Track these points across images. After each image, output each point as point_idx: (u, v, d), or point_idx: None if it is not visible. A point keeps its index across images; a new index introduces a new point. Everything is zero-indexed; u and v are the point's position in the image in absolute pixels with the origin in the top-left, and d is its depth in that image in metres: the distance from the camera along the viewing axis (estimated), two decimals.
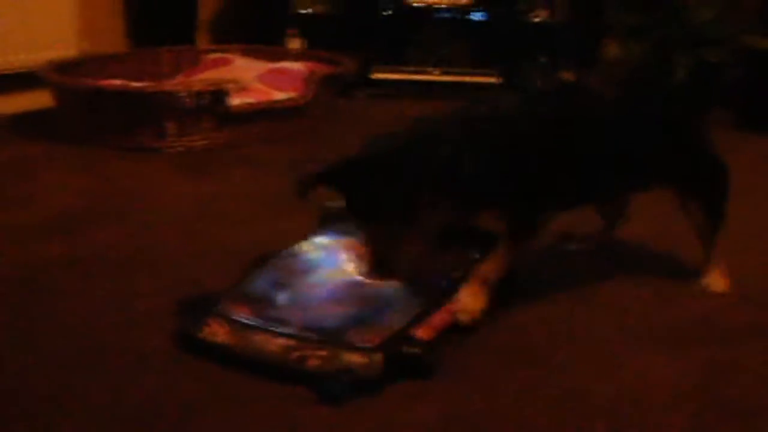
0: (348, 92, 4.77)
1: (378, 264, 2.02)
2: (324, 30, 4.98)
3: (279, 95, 4.01)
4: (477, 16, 5.09)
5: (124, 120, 3.65)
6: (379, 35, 5.06)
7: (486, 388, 1.83)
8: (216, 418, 1.70)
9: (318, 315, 1.95)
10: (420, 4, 5.01)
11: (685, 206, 2.36)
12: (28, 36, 4.21)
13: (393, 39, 5.07)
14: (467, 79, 4.97)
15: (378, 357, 1.81)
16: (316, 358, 1.82)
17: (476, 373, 1.89)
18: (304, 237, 2.30)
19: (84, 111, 3.75)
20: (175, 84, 4.02)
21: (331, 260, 2.18)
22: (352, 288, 2.06)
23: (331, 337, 1.87)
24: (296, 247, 2.25)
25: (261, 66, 4.31)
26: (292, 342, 1.86)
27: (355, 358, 1.81)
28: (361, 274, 2.09)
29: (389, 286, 2.05)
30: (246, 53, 4.56)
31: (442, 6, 5.03)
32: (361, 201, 2.01)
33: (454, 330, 2.00)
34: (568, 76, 5.13)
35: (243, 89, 3.99)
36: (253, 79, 4.14)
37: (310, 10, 5.00)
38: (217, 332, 1.91)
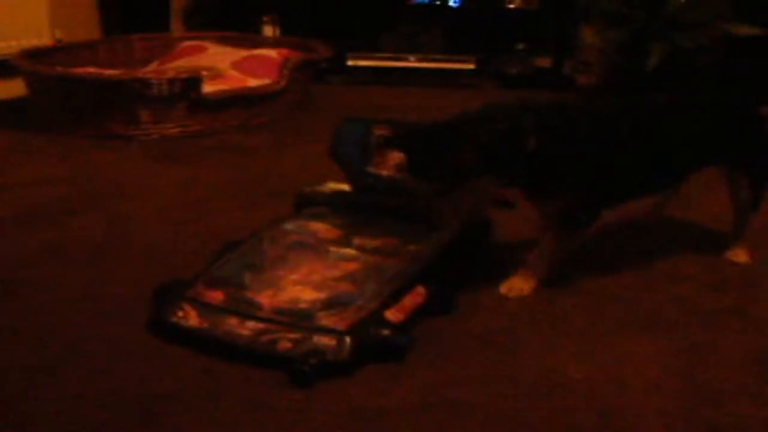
0: (323, 79, 4.76)
1: (434, 216, 2.11)
2: (299, 17, 4.97)
3: (253, 82, 4.00)
4: (453, 2, 5.09)
5: (97, 108, 3.62)
6: (355, 22, 5.05)
7: (462, 373, 1.83)
8: (189, 404, 1.70)
9: (289, 298, 1.94)
10: None
11: (736, 183, 2.46)
12: (0, 25, 4.18)
13: (368, 26, 5.06)
14: (443, 65, 4.97)
15: (348, 339, 1.81)
16: (286, 341, 1.82)
17: (452, 357, 1.89)
18: (277, 221, 2.29)
19: (57, 99, 3.73)
20: (149, 72, 4.00)
21: (303, 243, 2.18)
22: (324, 271, 2.05)
23: (301, 319, 1.87)
24: (268, 230, 2.24)
25: (235, 53, 4.30)
26: (262, 325, 1.86)
27: (325, 341, 1.80)
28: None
29: (362, 268, 2.06)
30: (220, 41, 4.55)
31: None
32: (421, 158, 2.07)
33: (427, 313, 2.00)
34: (544, 62, 5.14)
35: (217, 76, 3.97)
36: (227, 67, 4.13)
37: None
38: (188, 317, 1.91)
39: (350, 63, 4.95)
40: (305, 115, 4.03)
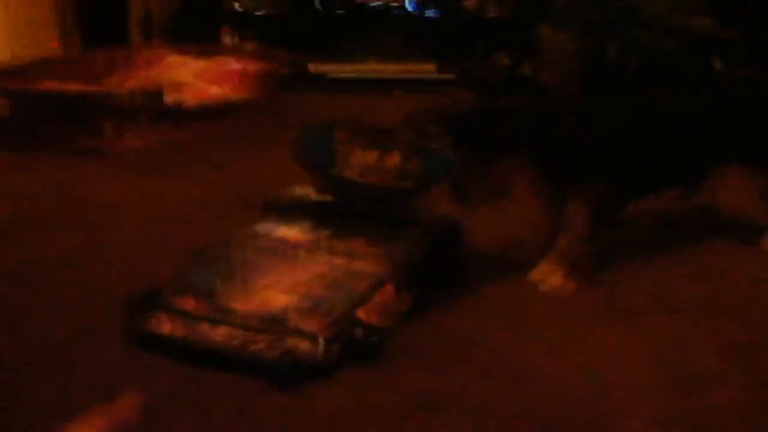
0: (287, 87, 4.76)
1: (459, 191, 2.11)
2: (259, 27, 4.96)
3: (216, 92, 3.99)
4: (410, 7, 5.10)
5: (61, 123, 3.60)
6: (316, 31, 5.05)
7: (439, 372, 1.85)
8: (173, 411, 1.70)
9: (260, 303, 1.96)
10: None
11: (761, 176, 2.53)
12: None
13: (329, 34, 5.07)
14: (405, 68, 4.98)
15: (320, 341, 1.81)
16: (260, 344, 1.82)
17: (428, 357, 1.91)
18: (245, 227, 2.30)
19: (20, 115, 3.70)
20: (111, 85, 3.99)
21: (272, 248, 2.19)
22: (293, 275, 2.06)
23: (274, 323, 1.88)
24: (236, 237, 2.25)
25: (197, 63, 4.29)
26: (235, 330, 1.87)
27: (299, 344, 1.81)
28: None
29: (331, 271, 2.07)
30: (180, 51, 4.53)
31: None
32: (459, 131, 2.12)
33: (402, 312, 2.02)
34: (504, 63, 5.16)
35: (179, 87, 3.96)
36: (189, 77, 4.12)
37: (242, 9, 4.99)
38: (162, 324, 1.91)
39: (313, 70, 4.95)
40: (269, 122, 4.02)
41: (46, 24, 4.87)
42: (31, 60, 4.33)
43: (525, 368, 1.86)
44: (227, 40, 4.95)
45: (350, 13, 5.09)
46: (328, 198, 2.35)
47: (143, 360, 1.90)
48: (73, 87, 3.85)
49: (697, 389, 1.77)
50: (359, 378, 1.82)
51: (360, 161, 2.29)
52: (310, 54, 4.94)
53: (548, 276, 2.23)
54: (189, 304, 1.95)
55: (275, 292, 2.00)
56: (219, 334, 1.87)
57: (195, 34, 4.87)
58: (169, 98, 3.70)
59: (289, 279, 2.04)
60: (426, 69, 4.97)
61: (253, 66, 4.11)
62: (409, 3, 5.06)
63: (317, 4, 5.02)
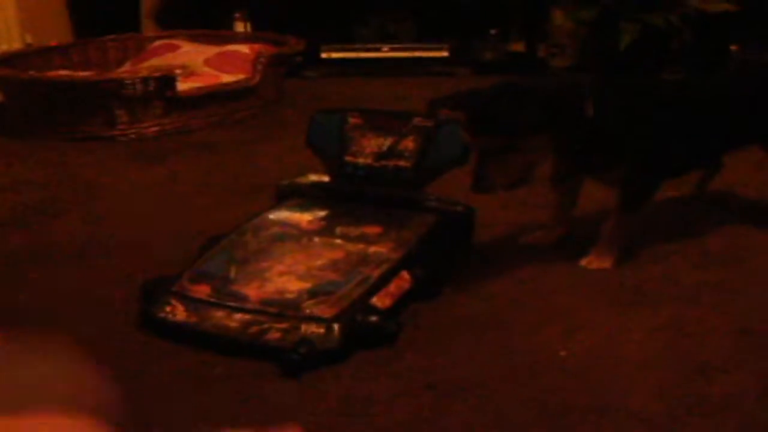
0: (298, 73, 4.75)
1: (479, 179, 2.06)
2: (270, 12, 4.95)
3: (227, 78, 3.99)
4: None
5: (73, 110, 3.61)
6: (328, 15, 5.04)
7: (453, 357, 1.84)
8: (182, 398, 1.70)
9: (275, 289, 1.95)
10: None
11: None
12: None
13: (340, 18, 5.05)
14: (417, 54, 4.97)
15: (336, 327, 1.82)
16: (275, 332, 1.83)
17: (441, 341, 1.90)
18: (259, 214, 2.29)
19: (33, 103, 3.71)
20: (123, 72, 3.99)
21: (287, 235, 2.18)
22: (308, 261, 2.06)
23: (288, 309, 1.88)
24: (251, 223, 2.25)
25: (208, 50, 4.29)
26: (250, 317, 1.87)
27: (313, 330, 1.81)
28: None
29: (346, 256, 2.07)
30: (192, 38, 4.53)
31: None
32: (482, 116, 2.07)
33: (414, 298, 2.01)
34: (517, 47, 5.14)
35: (191, 74, 3.96)
36: (200, 64, 4.12)
37: None
38: (176, 311, 1.91)
39: (324, 56, 4.94)
40: (281, 109, 4.02)
41: (58, 11, 4.88)
42: (43, 48, 4.34)
43: (538, 353, 1.85)
44: (239, 26, 4.94)
45: None
46: (341, 184, 2.34)
47: (157, 346, 1.89)
48: (85, 75, 3.85)
49: (712, 374, 1.76)
50: (369, 363, 1.81)
51: (373, 146, 2.28)
52: (323, 39, 4.93)
53: (597, 264, 2.23)
54: (203, 291, 1.95)
55: (290, 278, 1.99)
56: (233, 320, 1.87)
57: (207, 20, 4.87)
58: (180, 85, 3.69)
59: (304, 265, 2.04)
60: (439, 53, 4.96)
61: (265, 52, 4.10)
62: None
63: None
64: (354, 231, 2.18)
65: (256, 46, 4.23)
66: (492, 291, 2.14)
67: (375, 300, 1.91)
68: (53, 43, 4.45)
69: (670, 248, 2.36)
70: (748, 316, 2.00)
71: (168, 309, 1.92)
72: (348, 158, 2.31)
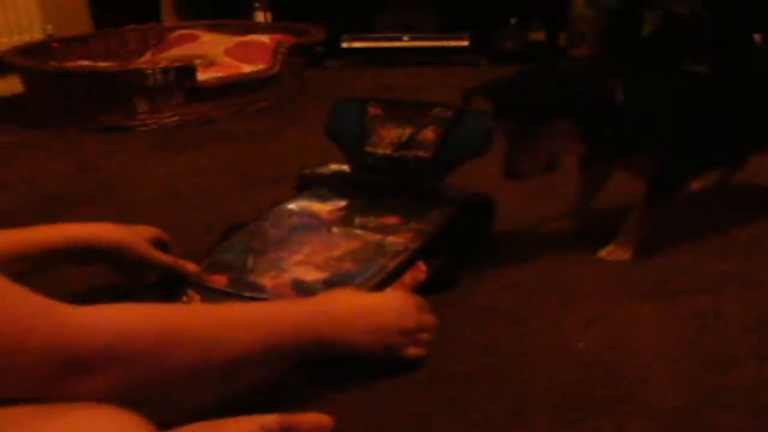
0: (319, 62, 4.76)
1: (508, 165, 2.06)
2: (291, 1, 4.96)
3: (247, 68, 3.99)
4: None
5: (94, 101, 3.62)
6: (347, 4, 5.04)
7: (468, 346, 1.83)
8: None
9: (291, 278, 1.95)
10: None
11: None
12: None
13: (361, 7, 5.05)
14: (437, 44, 4.96)
15: None
16: None
17: (457, 331, 1.89)
18: (279, 204, 2.29)
19: (53, 94, 3.73)
20: (143, 62, 4.00)
21: (306, 225, 2.18)
22: (325, 251, 2.06)
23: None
24: (270, 213, 2.25)
25: (228, 40, 4.30)
26: None
27: None
28: None
29: (364, 246, 2.06)
30: (212, 28, 4.54)
31: None
32: (507, 101, 2.07)
33: (431, 289, 2.00)
34: (538, 36, 5.13)
35: (211, 64, 3.97)
36: (220, 54, 4.13)
37: None
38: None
39: (344, 45, 4.94)
40: (302, 98, 4.02)
41: (78, 1, 4.89)
42: (63, 38, 4.36)
43: (556, 344, 1.84)
44: (259, 16, 4.94)
45: None
46: (361, 174, 2.34)
47: None
48: (105, 65, 3.86)
49: (729, 366, 1.74)
50: None
51: (393, 137, 2.28)
52: (343, 29, 4.93)
53: (617, 256, 2.22)
54: (220, 281, 1.95)
55: (307, 268, 1.99)
56: None
57: (227, 10, 4.88)
58: (200, 75, 3.70)
59: (321, 255, 2.04)
60: (460, 43, 4.95)
61: (285, 42, 4.10)
62: None
63: None
64: (373, 221, 2.18)
65: (277, 36, 4.24)
66: (510, 281, 2.13)
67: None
68: (73, 33, 4.46)
69: (690, 240, 2.35)
70: (766, 308, 1.98)
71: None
72: (368, 148, 2.30)
